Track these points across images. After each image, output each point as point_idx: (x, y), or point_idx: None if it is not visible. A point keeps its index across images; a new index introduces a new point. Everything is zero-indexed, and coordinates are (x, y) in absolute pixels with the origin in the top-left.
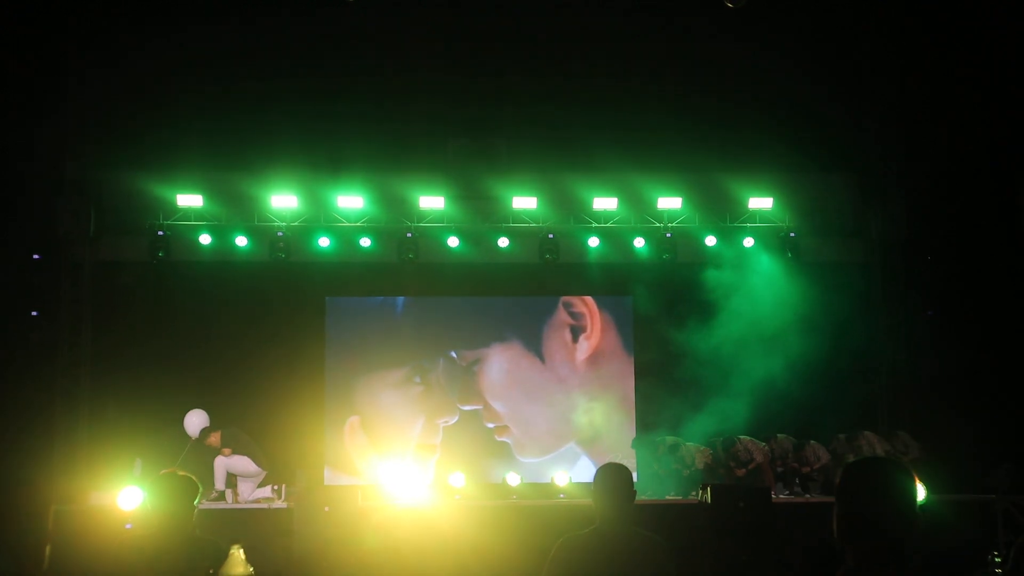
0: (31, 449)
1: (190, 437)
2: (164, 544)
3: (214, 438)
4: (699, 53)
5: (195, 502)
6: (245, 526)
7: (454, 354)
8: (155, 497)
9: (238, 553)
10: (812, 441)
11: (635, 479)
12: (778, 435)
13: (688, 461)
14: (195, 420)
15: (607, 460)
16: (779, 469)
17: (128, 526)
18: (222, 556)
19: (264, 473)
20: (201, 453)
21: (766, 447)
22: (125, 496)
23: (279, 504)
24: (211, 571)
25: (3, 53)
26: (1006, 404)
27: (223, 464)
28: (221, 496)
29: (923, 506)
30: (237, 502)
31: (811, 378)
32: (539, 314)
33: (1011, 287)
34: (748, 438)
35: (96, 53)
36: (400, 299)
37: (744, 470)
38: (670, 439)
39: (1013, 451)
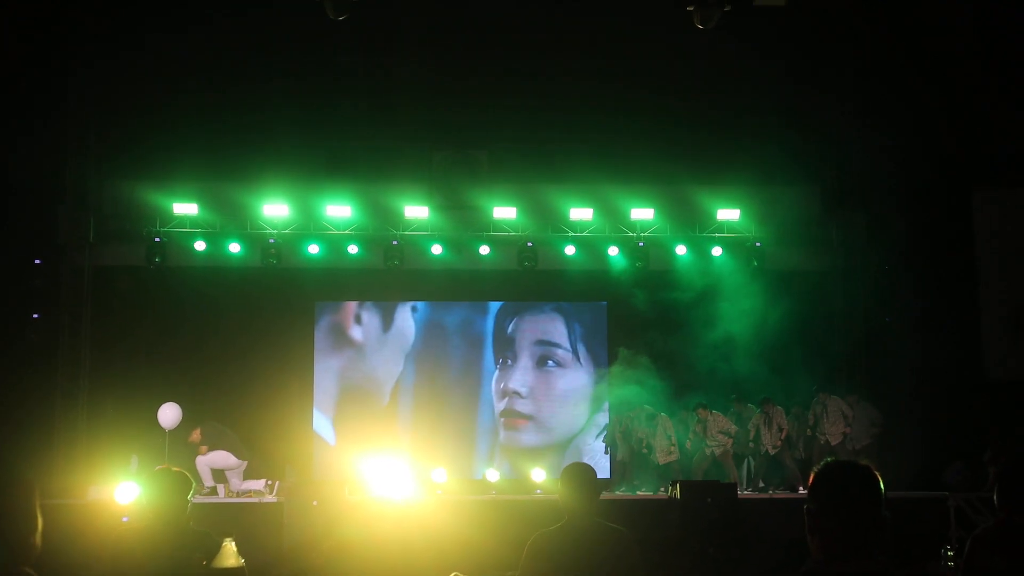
0: (32, 446)
1: (165, 431)
2: (159, 536)
3: (195, 435)
4: (672, 72)
5: (188, 496)
6: (237, 519)
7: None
8: (150, 492)
9: (230, 545)
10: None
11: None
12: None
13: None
14: (169, 414)
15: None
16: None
17: (125, 519)
18: (215, 548)
19: (245, 463)
20: (186, 447)
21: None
22: (122, 491)
23: (270, 498)
24: (204, 562)
25: (4, 64)
26: (957, 406)
27: (204, 463)
28: (212, 491)
29: (884, 501)
30: (230, 495)
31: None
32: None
33: (964, 293)
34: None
35: (96, 66)
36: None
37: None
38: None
39: (964, 450)
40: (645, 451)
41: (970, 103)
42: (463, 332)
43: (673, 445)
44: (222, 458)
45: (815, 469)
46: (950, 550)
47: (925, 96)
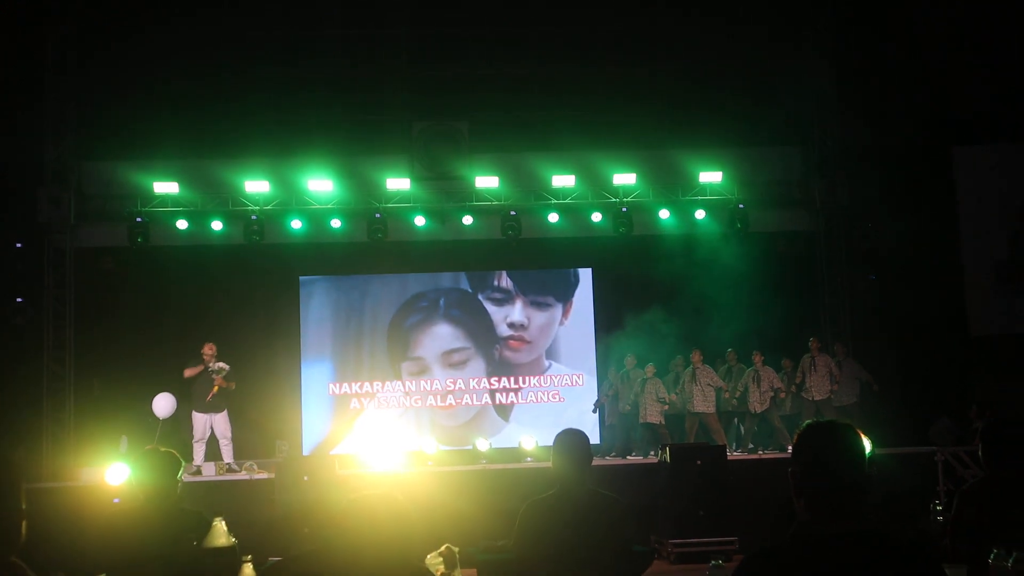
0: (20, 430)
1: (159, 419)
2: (150, 517)
3: (208, 349)
4: (651, 35)
5: (178, 476)
6: (229, 496)
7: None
8: (140, 472)
9: (221, 525)
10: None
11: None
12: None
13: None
14: (163, 404)
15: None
16: None
17: (115, 500)
18: (206, 527)
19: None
20: (177, 431)
21: None
22: (112, 472)
23: (261, 475)
24: (195, 542)
25: None
26: (942, 362)
27: (209, 422)
28: (198, 472)
29: (871, 459)
30: (224, 472)
31: (762, 341)
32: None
33: (947, 250)
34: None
35: (75, 45)
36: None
37: None
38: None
39: (950, 405)
40: (628, 408)
41: (948, 62)
42: (455, 302)
43: (666, 406)
44: (225, 423)
45: (798, 430)
46: (938, 504)
47: (903, 55)
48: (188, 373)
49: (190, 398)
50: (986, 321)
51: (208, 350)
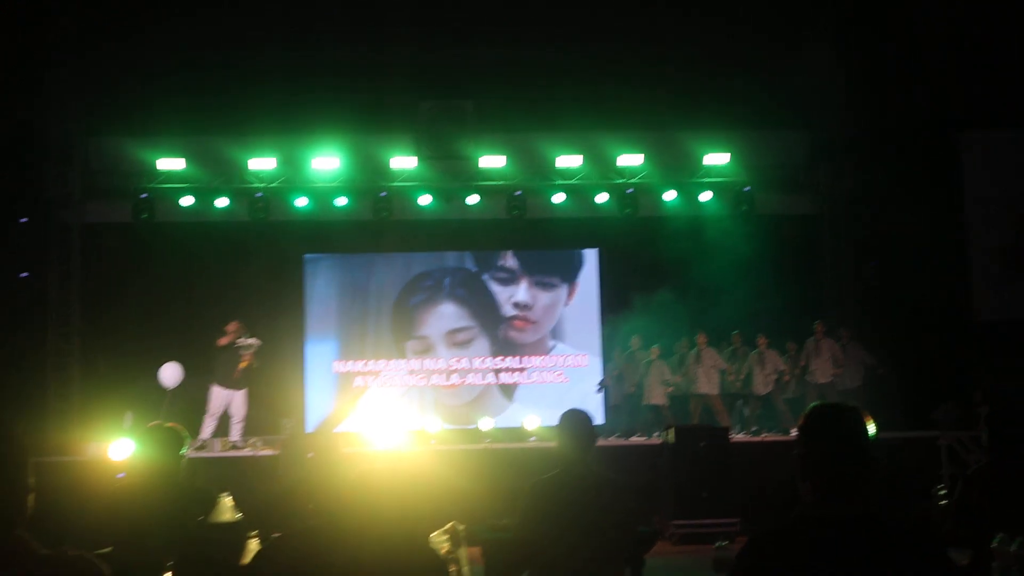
0: (25, 405)
1: (167, 390)
2: (155, 493)
3: (233, 326)
4: (659, 16)
5: (182, 451)
6: (233, 472)
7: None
8: (144, 447)
9: (226, 500)
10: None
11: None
12: None
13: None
14: (171, 372)
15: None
16: None
17: (120, 476)
18: (211, 503)
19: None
20: (185, 401)
21: None
22: (116, 447)
23: (265, 451)
24: (201, 517)
25: None
26: (947, 346)
27: (229, 399)
28: (204, 447)
29: (875, 442)
30: (229, 449)
31: (767, 324)
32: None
33: (952, 235)
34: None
35: (82, 21)
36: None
37: None
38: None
39: (954, 390)
40: (633, 389)
41: (955, 46)
42: (460, 281)
43: (671, 388)
44: (243, 400)
45: (804, 412)
46: (942, 489)
47: (911, 40)
48: (221, 342)
49: (212, 372)
50: (991, 306)
51: (232, 327)
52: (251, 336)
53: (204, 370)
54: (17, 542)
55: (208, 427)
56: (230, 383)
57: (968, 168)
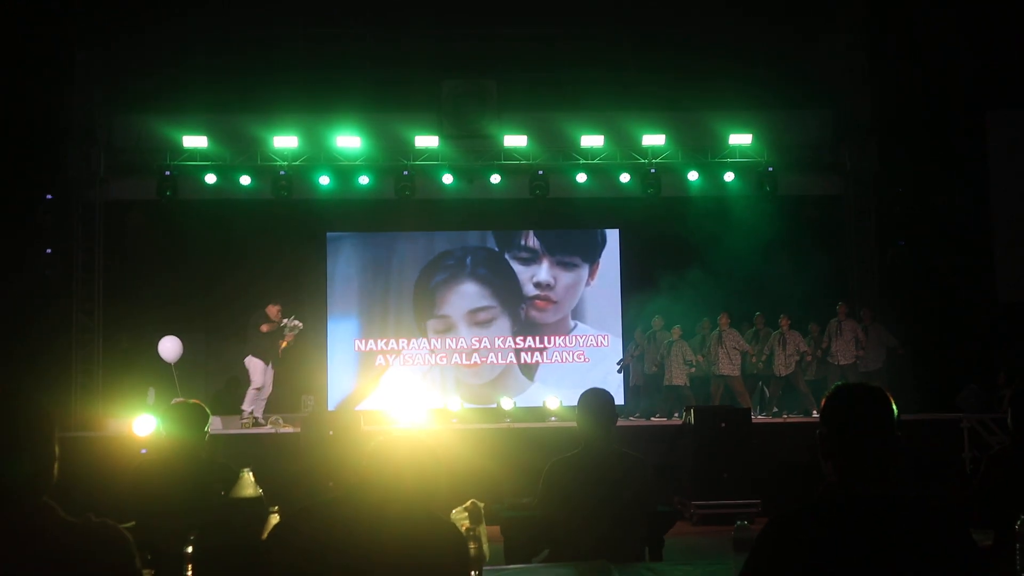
0: (49, 380)
1: (171, 363)
2: (177, 468)
3: (273, 308)
4: None
5: (205, 428)
6: (255, 449)
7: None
8: (168, 424)
9: (248, 476)
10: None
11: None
12: None
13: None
14: (170, 347)
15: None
16: None
17: (143, 451)
18: (233, 479)
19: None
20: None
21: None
22: (140, 423)
23: (287, 429)
24: (223, 492)
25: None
26: (971, 328)
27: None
28: (254, 422)
29: (897, 423)
30: (246, 425)
31: (790, 305)
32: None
33: (977, 216)
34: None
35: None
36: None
37: None
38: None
39: (978, 372)
40: (655, 369)
41: (983, 24)
42: (481, 260)
43: (692, 368)
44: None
45: (826, 393)
46: (964, 470)
47: (937, 17)
48: (265, 328)
49: (254, 347)
50: (1015, 287)
51: (275, 309)
52: (294, 317)
53: (224, 347)
54: (44, 509)
55: (259, 403)
56: (271, 358)
57: (993, 148)
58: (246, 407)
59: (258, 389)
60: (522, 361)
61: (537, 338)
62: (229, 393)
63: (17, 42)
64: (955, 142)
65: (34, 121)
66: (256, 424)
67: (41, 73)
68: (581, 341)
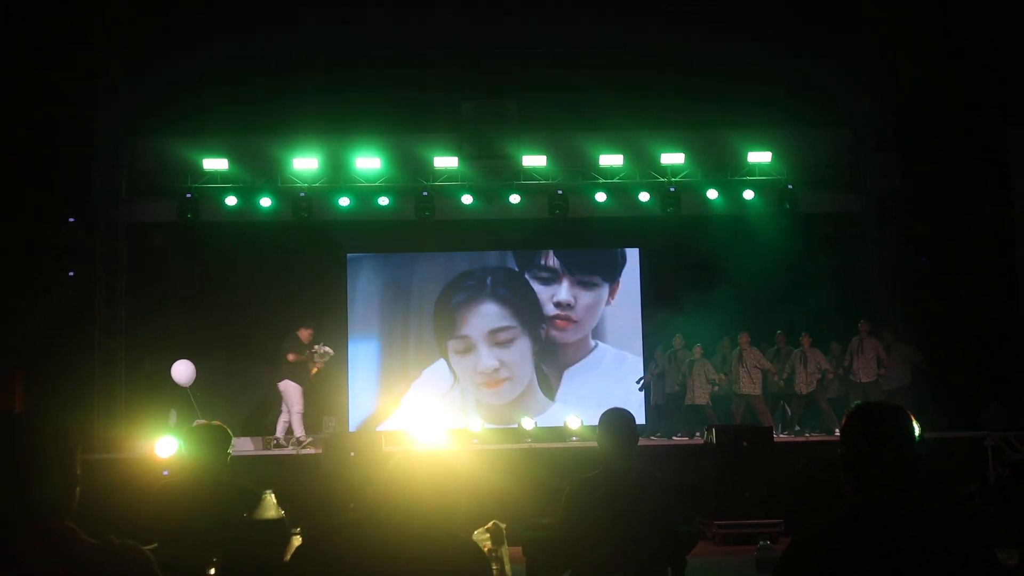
0: (72, 402)
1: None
2: (200, 490)
3: (305, 334)
4: (701, 14)
5: (227, 450)
6: (277, 471)
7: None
8: (190, 446)
9: (270, 498)
10: None
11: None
12: None
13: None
14: (183, 370)
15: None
16: None
17: (165, 473)
18: (255, 501)
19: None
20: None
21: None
22: (161, 445)
23: (308, 450)
24: (245, 515)
25: (33, 23)
26: (993, 345)
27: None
28: (296, 443)
29: (920, 442)
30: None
31: (811, 323)
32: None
33: (1000, 232)
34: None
35: (125, 22)
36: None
37: None
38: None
39: (1001, 390)
40: (676, 388)
41: (1001, 41)
42: (502, 280)
43: (715, 387)
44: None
45: (848, 411)
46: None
47: (957, 35)
48: (292, 358)
49: (287, 371)
50: None
51: (305, 333)
52: (323, 344)
53: (245, 368)
54: (66, 531)
55: (298, 425)
56: (304, 381)
57: (1016, 165)
58: (298, 433)
59: (301, 413)
60: (543, 381)
61: (558, 357)
62: (261, 415)
63: (45, 66)
64: (976, 159)
65: (59, 144)
66: (277, 445)
67: (67, 97)
68: (602, 360)
